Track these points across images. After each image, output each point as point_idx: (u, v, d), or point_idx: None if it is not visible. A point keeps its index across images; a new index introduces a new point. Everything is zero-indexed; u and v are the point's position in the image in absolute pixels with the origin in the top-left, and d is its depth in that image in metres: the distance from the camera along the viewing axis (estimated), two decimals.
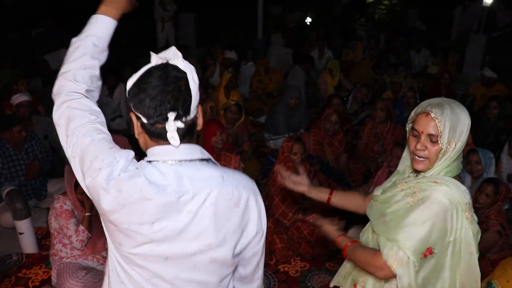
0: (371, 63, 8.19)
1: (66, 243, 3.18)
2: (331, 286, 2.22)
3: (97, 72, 1.56)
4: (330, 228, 2.00)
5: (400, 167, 1.93)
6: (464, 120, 1.65)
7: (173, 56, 1.37)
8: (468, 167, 4.00)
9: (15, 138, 4.10)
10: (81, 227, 3.09)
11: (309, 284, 3.51)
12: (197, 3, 12.87)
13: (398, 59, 9.21)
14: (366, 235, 2.00)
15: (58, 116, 1.45)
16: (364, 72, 7.89)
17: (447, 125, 1.61)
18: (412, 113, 1.76)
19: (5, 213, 4.04)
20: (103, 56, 1.60)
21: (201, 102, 4.82)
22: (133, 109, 1.35)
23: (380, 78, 7.73)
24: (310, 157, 4.57)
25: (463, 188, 1.70)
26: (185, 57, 5.62)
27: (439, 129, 1.62)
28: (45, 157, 4.45)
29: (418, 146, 1.68)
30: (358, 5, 16.85)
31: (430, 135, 1.65)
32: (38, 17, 8.73)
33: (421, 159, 1.70)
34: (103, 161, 1.30)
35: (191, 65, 1.37)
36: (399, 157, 3.67)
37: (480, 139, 5.12)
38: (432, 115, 1.63)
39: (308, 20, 14.56)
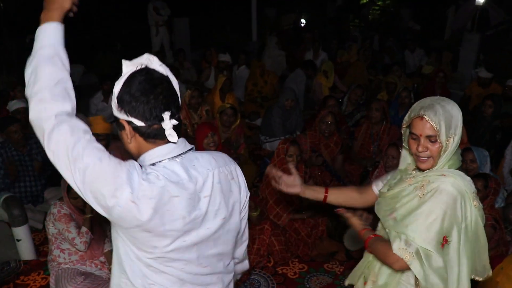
0: (365, 64, 8.22)
1: (64, 249, 3.19)
2: (346, 284, 2.27)
3: (69, 83, 1.41)
4: (356, 221, 2.03)
5: (402, 166, 1.99)
6: (456, 115, 1.75)
7: (148, 61, 1.42)
8: (463, 165, 4.00)
9: (13, 138, 4.15)
10: (84, 229, 3.11)
11: (307, 285, 3.51)
12: (191, 7, 12.90)
13: (392, 59, 9.25)
14: (380, 234, 2.04)
15: (54, 144, 1.35)
16: (359, 73, 7.92)
17: (442, 124, 1.71)
18: (406, 117, 1.84)
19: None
20: (66, 63, 1.43)
21: (197, 105, 4.87)
22: (126, 115, 1.38)
23: (375, 79, 7.76)
24: (313, 151, 4.59)
25: (468, 178, 1.80)
26: (181, 60, 5.71)
27: (436, 129, 1.71)
28: (46, 158, 4.46)
29: (420, 149, 1.77)
30: (352, 6, 16.90)
31: (428, 137, 1.74)
32: (32, 23, 8.72)
33: (425, 158, 1.79)
34: (121, 178, 1.30)
35: (166, 66, 1.45)
36: (394, 157, 3.72)
37: (476, 137, 5.14)
38: (427, 118, 1.72)
39: (303, 22, 14.61)
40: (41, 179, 4.45)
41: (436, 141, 1.74)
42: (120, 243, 1.45)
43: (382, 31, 11.79)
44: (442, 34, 12.58)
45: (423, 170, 1.84)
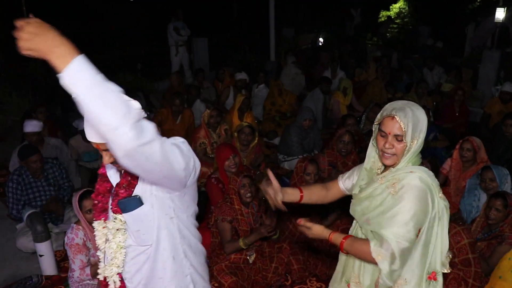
0: (384, 82, 8.22)
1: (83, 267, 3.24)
2: None
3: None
4: (319, 228, 2.10)
5: (367, 165, 2.12)
6: (423, 120, 1.90)
7: None
8: (482, 185, 3.97)
9: (31, 167, 4.23)
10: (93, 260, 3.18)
11: None
12: (210, 27, 13.13)
13: (411, 77, 9.23)
14: (355, 233, 2.16)
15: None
16: (377, 91, 7.92)
17: (409, 126, 1.86)
18: (379, 116, 1.98)
19: (23, 236, 4.14)
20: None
21: (216, 125, 4.91)
22: None
23: (394, 97, 7.74)
24: (332, 167, 4.60)
25: (431, 173, 1.97)
26: (201, 80, 5.80)
27: (403, 130, 1.86)
28: (66, 183, 4.56)
29: (387, 145, 1.91)
30: (370, 24, 16.96)
31: (396, 135, 1.89)
32: None
33: (389, 155, 1.93)
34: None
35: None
36: None
37: (496, 156, 5.08)
38: (397, 118, 1.86)
39: (321, 41, 14.69)
40: (59, 201, 4.49)
41: (401, 140, 1.88)
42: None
43: (401, 49, 11.77)
44: (462, 52, 12.51)
45: (387, 166, 1.99)
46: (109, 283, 1.95)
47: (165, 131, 6.08)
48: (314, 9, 18.41)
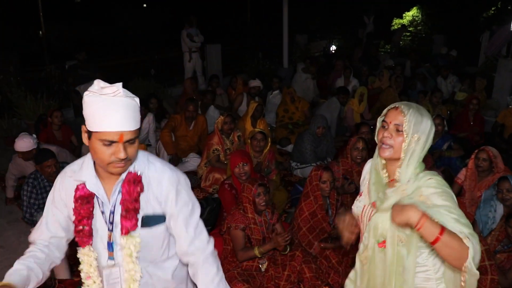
0: (397, 90, 8.17)
1: None
2: None
3: None
4: (412, 209, 1.65)
5: (375, 179, 1.99)
6: (426, 121, 1.84)
7: None
8: (499, 195, 3.91)
9: (45, 172, 4.24)
10: None
11: None
12: (224, 33, 13.17)
13: (424, 86, 9.17)
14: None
15: None
16: (391, 99, 7.88)
17: (411, 119, 1.81)
18: (385, 111, 1.93)
19: None
20: None
21: (229, 131, 4.93)
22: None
23: None
24: (345, 178, 4.57)
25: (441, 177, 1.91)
26: (214, 86, 5.82)
27: (404, 120, 1.81)
28: None
29: (386, 134, 1.87)
30: (383, 32, 16.91)
31: (396, 125, 1.84)
32: (71, 49, 9.08)
33: (386, 146, 1.87)
34: None
35: None
36: None
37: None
38: (400, 109, 1.84)
39: (333, 48, 14.67)
40: None
41: (401, 132, 1.82)
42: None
43: (414, 58, 11.71)
44: (476, 60, 12.42)
45: (384, 159, 1.92)
46: None
47: (178, 137, 6.10)
48: (327, 16, 18.42)
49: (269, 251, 3.54)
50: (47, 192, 4.28)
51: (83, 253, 1.83)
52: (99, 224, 1.82)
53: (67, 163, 4.38)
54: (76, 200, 1.78)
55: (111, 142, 1.63)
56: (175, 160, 5.89)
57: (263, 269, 3.64)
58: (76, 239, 1.84)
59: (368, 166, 2.12)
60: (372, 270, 2.02)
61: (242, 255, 3.50)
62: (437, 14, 19.16)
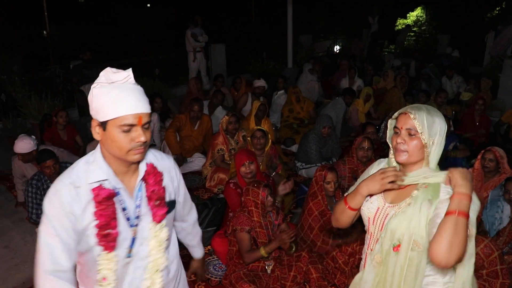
0: (402, 90, 8.15)
1: None
2: None
3: None
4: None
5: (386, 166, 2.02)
6: (439, 122, 1.83)
7: None
8: (506, 196, 3.89)
9: (45, 172, 4.26)
10: None
11: None
12: (228, 33, 13.16)
13: (429, 86, 9.14)
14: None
15: None
16: (396, 100, 7.86)
17: (424, 123, 1.80)
18: (396, 114, 1.92)
19: None
20: None
21: (234, 131, 4.91)
22: None
23: None
24: (354, 178, 4.55)
25: None
26: (219, 86, 5.81)
27: (416, 125, 1.81)
28: None
29: (399, 140, 1.86)
30: (387, 32, 16.88)
31: (408, 129, 1.83)
32: (75, 49, 9.10)
33: (402, 150, 1.86)
34: None
35: None
36: None
37: None
38: (411, 115, 1.82)
39: (337, 48, 14.64)
40: None
41: (414, 135, 1.82)
42: None
43: (419, 58, 11.68)
44: (481, 61, 12.37)
45: (400, 164, 1.91)
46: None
47: (183, 137, 6.10)
48: (331, 17, 18.40)
49: (274, 249, 3.52)
50: None
51: (106, 258, 1.72)
52: (120, 223, 1.74)
53: (70, 163, 4.40)
54: (99, 203, 1.67)
55: (131, 127, 1.61)
56: (179, 160, 5.89)
57: (269, 271, 3.62)
58: (100, 244, 1.69)
59: (381, 165, 2.08)
60: (383, 273, 1.99)
61: (248, 257, 3.49)
62: (441, 14, 19.10)
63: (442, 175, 1.79)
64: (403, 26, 18.39)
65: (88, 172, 1.69)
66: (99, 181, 1.68)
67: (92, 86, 1.64)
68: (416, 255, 1.85)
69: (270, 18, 14.96)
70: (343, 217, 2.08)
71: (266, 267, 3.63)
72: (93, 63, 8.22)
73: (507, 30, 11.06)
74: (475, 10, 17.64)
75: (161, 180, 1.83)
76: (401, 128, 1.85)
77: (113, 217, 1.69)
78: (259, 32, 13.60)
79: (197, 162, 6.05)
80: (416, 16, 20.01)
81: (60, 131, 5.95)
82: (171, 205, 1.91)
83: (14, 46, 11.28)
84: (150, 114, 1.70)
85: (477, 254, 2.80)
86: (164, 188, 1.84)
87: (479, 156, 4.48)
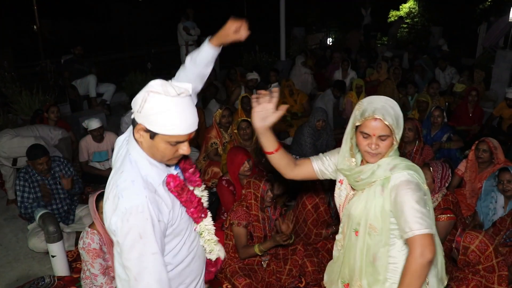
0: (396, 82, 8.14)
1: (98, 274, 3.20)
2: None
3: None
4: None
5: (344, 165, 2.02)
6: (399, 112, 1.90)
7: None
8: (499, 186, 3.89)
9: (37, 168, 4.23)
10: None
11: None
12: (220, 26, 13.06)
13: (422, 77, 9.14)
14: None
15: None
16: (389, 91, 7.85)
17: (393, 124, 1.84)
18: (358, 116, 1.91)
19: (34, 237, 4.12)
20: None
21: (227, 124, 4.88)
22: None
23: (405, 97, 7.66)
24: None
25: (410, 162, 1.97)
26: (211, 79, 5.79)
27: (389, 128, 1.84)
28: (74, 178, 4.53)
29: (373, 147, 1.88)
30: (380, 24, 16.86)
31: (380, 136, 1.86)
32: (66, 44, 9.01)
33: (374, 154, 1.90)
34: None
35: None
36: (426, 178, 3.66)
37: (510, 157, 5.00)
38: (382, 119, 1.83)
39: (329, 40, 14.60)
40: (66, 199, 4.46)
41: (385, 139, 1.86)
42: None
43: (412, 49, 11.67)
44: (474, 52, 12.39)
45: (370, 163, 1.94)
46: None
47: None
48: (324, 8, 18.34)
49: (269, 249, 3.50)
50: (40, 186, 4.24)
51: (203, 227, 1.97)
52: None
53: (59, 157, 4.33)
54: (179, 192, 1.78)
55: (180, 142, 1.67)
56: None
57: (264, 265, 3.61)
58: (194, 217, 1.91)
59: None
60: (347, 258, 2.09)
61: (243, 252, 3.47)
62: (434, 6, 19.11)
63: (387, 168, 1.88)
64: (396, 18, 18.37)
65: (150, 176, 1.71)
66: (163, 177, 1.76)
67: (146, 93, 1.64)
68: (374, 238, 1.93)
69: (263, 11, 14.88)
70: (272, 163, 2.20)
71: (262, 262, 3.62)
72: (84, 57, 8.14)
73: (500, 21, 11.05)
74: (467, 2, 17.66)
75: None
76: (373, 135, 1.86)
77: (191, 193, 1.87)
78: (252, 25, 13.51)
79: (190, 156, 6.01)
80: (409, 7, 20.01)
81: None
82: None
83: (5, 42, 11.16)
84: None
85: (472, 251, 2.81)
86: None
87: (473, 147, 4.48)
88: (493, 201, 4.00)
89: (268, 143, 2.10)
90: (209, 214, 2.01)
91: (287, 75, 9.71)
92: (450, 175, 3.72)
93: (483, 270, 2.79)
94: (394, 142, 1.89)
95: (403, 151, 4.98)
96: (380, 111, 1.83)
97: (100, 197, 3.14)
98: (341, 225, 2.14)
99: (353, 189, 2.04)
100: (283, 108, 2.02)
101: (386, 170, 1.89)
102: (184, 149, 1.70)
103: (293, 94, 7.40)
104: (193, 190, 1.93)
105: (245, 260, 3.55)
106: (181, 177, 1.88)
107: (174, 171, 1.86)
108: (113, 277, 3.25)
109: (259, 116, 2.01)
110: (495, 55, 9.28)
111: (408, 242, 1.77)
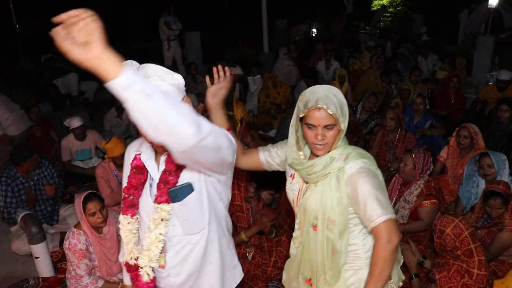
0: (379, 71, 8.17)
1: (83, 275, 3.18)
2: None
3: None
4: None
5: (293, 160, 1.97)
6: (345, 102, 1.85)
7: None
8: (480, 171, 3.93)
9: (22, 171, 4.18)
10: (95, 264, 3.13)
11: None
12: (202, 21, 13.00)
13: (405, 66, 9.19)
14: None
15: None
16: (372, 81, 7.87)
17: (338, 112, 1.79)
18: (302, 107, 1.85)
19: (17, 240, 4.07)
20: None
21: (209, 119, 4.81)
22: None
23: (388, 86, 7.69)
24: None
25: (362, 150, 1.98)
26: (193, 74, 5.76)
27: (334, 118, 1.78)
28: (56, 181, 4.49)
29: (319, 138, 1.83)
30: (363, 13, 16.89)
31: (326, 126, 1.81)
32: (47, 44, 8.89)
33: (321, 146, 1.86)
34: None
35: None
36: (407, 165, 3.68)
37: (492, 142, 5.06)
38: (326, 108, 1.77)
39: (314, 31, 14.59)
40: (50, 200, 4.41)
41: (331, 128, 1.82)
42: None
43: (394, 38, 11.72)
44: (455, 39, 12.48)
45: (318, 156, 1.91)
46: (141, 273, 1.85)
47: None
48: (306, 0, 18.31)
49: (255, 234, 3.50)
50: (25, 189, 4.19)
51: (121, 220, 1.91)
52: (145, 198, 1.87)
53: (45, 159, 4.28)
54: (131, 168, 1.87)
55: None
56: None
57: (249, 258, 3.61)
58: (122, 205, 1.91)
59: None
60: (306, 254, 2.04)
61: None
62: None
63: (341, 159, 1.87)
64: (379, 7, 18.42)
65: (140, 144, 1.90)
66: (136, 151, 1.89)
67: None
68: (333, 232, 1.90)
69: (245, 4, 14.82)
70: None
71: (247, 254, 3.62)
72: (65, 55, 8.04)
73: (480, 8, 11.15)
74: None
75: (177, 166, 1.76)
76: (318, 125, 1.81)
77: (136, 187, 1.87)
78: (234, 18, 13.47)
79: None
80: None
81: (34, 127, 5.82)
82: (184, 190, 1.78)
83: None
84: None
85: (447, 235, 2.83)
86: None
87: (454, 133, 4.52)
88: (475, 186, 4.04)
89: (218, 121, 2.12)
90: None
91: (271, 67, 9.69)
92: (432, 163, 3.77)
93: (462, 255, 2.82)
94: (341, 131, 1.86)
95: (386, 139, 5.01)
96: (323, 100, 1.78)
97: (88, 199, 3.11)
98: (297, 221, 2.07)
99: (306, 182, 1.99)
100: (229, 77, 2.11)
101: (339, 161, 1.87)
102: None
103: (276, 86, 7.38)
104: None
105: None
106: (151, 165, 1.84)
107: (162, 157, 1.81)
108: (99, 277, 3.24)
109: (210, 92, 2.10)
110: (476, 42, 9.35)
111: (373, 231, 1.79)
